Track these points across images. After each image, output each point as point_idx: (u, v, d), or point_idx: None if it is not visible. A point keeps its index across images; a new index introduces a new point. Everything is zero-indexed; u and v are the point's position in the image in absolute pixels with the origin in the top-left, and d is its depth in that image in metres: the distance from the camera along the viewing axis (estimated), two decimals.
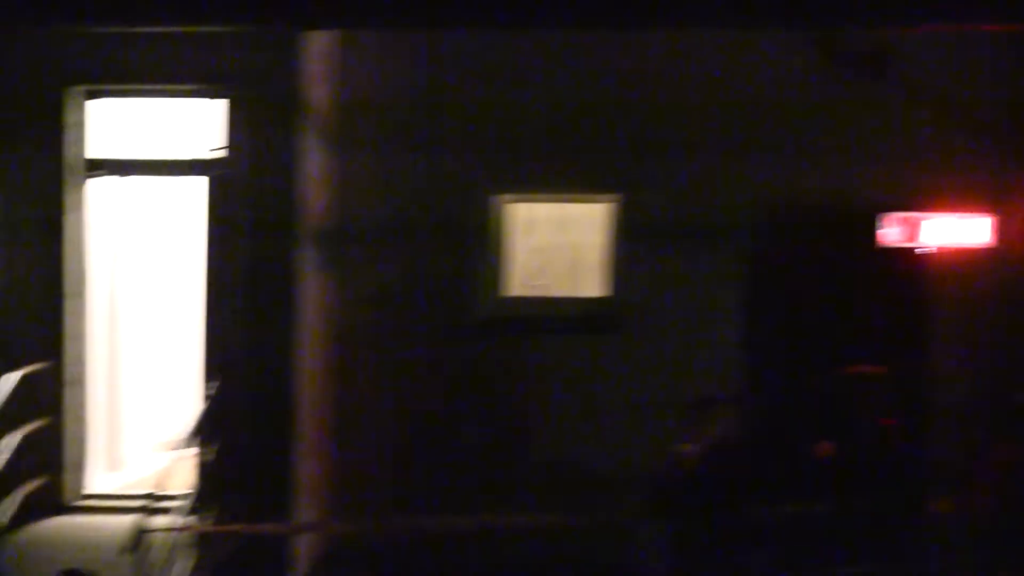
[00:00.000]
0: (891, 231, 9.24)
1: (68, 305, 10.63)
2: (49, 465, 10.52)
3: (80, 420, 10.80)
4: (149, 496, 8.76)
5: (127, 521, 8.57)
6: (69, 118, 10.52)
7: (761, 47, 9.42)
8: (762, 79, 9.45)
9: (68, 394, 10.66)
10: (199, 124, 10.58)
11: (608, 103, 9.45)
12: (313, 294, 9.57)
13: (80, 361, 10.78)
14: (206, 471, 9.84)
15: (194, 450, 9.77)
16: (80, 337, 10.78)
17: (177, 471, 9.38)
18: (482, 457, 9.43)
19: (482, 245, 9.51)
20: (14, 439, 9.78)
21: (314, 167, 9.54)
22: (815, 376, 9.04)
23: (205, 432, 9.68)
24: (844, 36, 9.39)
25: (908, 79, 9.42)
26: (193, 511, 9.48)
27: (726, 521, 7.87)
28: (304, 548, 9.45)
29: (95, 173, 10.69)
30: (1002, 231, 9.17)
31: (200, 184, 10.50)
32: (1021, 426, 8.20)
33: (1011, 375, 9.04)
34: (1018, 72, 9.39)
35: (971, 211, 9.19)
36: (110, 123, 10.78)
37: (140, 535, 8.33)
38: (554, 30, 9.17)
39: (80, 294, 10.75)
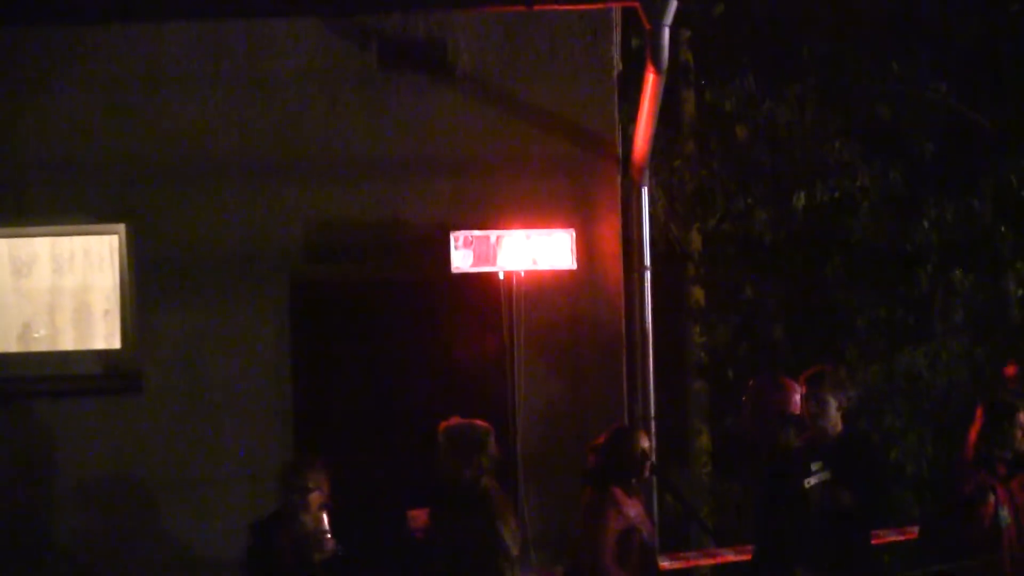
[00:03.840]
0: (462, 253, 7.80)
1: None
2: None
3: None
4: None
5: None
6: None
7: (294, 43, 8.01)
8: (298, 85, 8.02)
9: None
10: None
11: (112, 121, 8.02)
12: None
13: None
14: None
15: None
16: None
17: None
18: None
19: None
20: None
21: None
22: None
23: None
24: (390, 25, 7.99)
25: (469, 74, 8.02)
26: None
27: None
28: None
29: None
30: (583, 248, 7.79)
31: None
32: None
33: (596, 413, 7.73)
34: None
35: (550, 226, 7.80)
36: None
37: None
38: None
39: None
